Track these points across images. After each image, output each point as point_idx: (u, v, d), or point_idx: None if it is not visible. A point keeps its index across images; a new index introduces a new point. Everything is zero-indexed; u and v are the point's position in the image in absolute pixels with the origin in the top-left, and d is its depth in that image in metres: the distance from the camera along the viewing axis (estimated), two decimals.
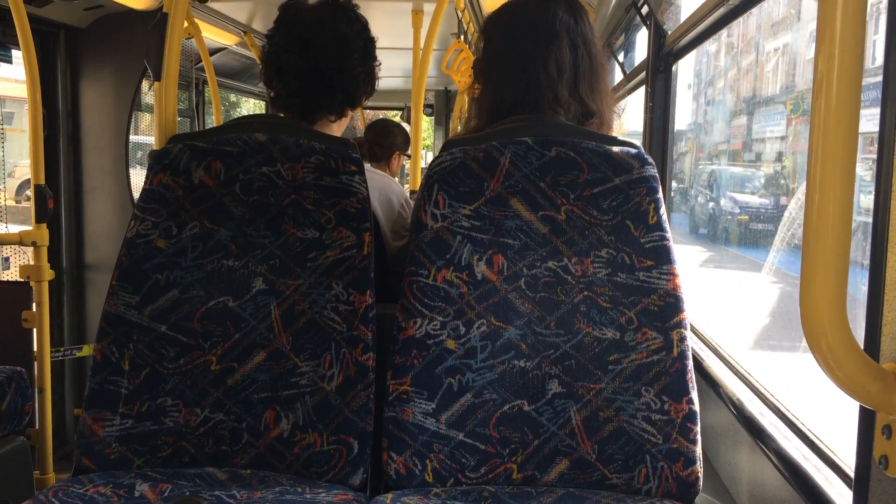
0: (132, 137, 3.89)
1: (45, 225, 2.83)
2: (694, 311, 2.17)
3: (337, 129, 1.78)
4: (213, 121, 5.02)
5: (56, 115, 3.55)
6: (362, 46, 1.72)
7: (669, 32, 2.60)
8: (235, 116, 1.75)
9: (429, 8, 3.45)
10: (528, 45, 1.52)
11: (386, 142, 3.65)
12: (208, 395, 1.46)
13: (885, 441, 0.84)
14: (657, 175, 1.43)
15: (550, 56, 1.51)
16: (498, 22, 1.60)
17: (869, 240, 0.90)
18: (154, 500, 1.30)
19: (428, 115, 8.03)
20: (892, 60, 0.85)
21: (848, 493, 1.15)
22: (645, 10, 2.73)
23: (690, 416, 1.35)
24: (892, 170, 0.85)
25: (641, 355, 1.37)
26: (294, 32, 1.68)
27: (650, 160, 1.43)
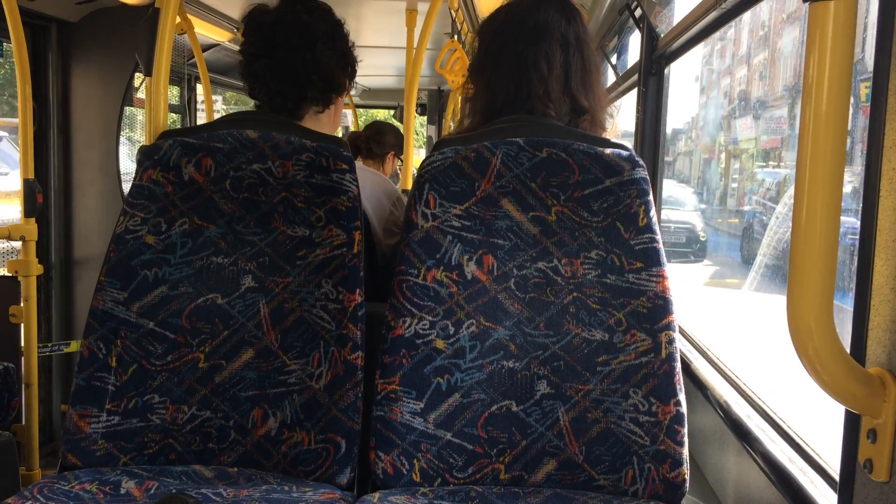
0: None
1: (33, 220, 2.81)
2: None
3: (326, 119, 1.78)
4: (205, 117, 5.00)
5: (46, 110, 3.53)
6: (327, 30, 1.74)
7: (662, 35, 2.60)
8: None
9: (422, 7, 3.44)
10: (519, 43, 1.54)
11: (382, 140, 3.74)
12: (196, 392, 1.45)
13: (871, 445, 0.84)
14: (648, 177, 1.43)
15: (541, 53, 1.52)
16: (492, 23, 1.63)
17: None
18: (140, 497, 1.29)
19: (420, 114, 8.03)
20: (882, 64, 0.86)
21: (833, 495, 1.16)
22: (638, 12, 2.74)
23: (678, 418, 1.35)
24: (880, 175, 0.86)
25: (630, 357, 1.37)
26: (260, 36, 1.72)
27: (641, 162, 1.43)
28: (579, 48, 1.56)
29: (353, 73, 1.82)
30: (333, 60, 1.74)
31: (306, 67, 1.69)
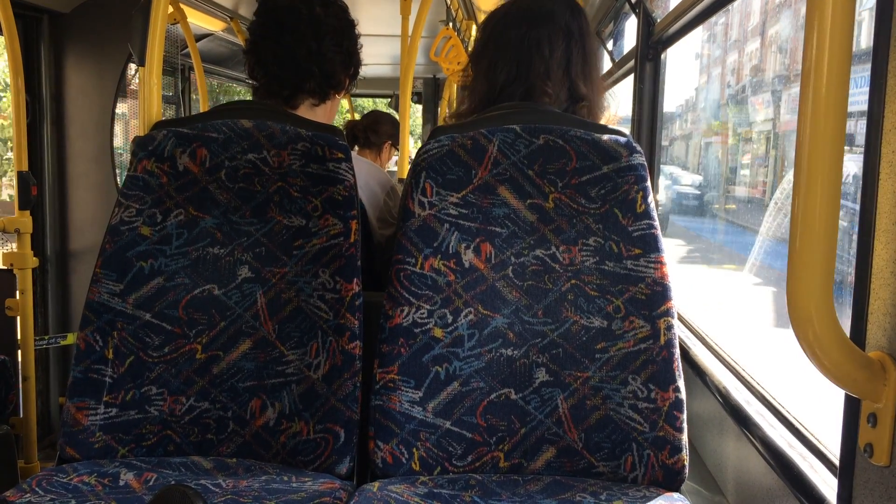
0: None
1: (28, 212, 2.80)
2: None
3: (322, 113, 1.78)
4: (199, 108, 4.98)
5: (40, 101, 3.51)
6: (338, 27, 1.74)
7: (658, 20, 2.59)
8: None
9: None
10: (522, 27, 1.58)
11: (379, 129, 3.79)
12: (193, 383, 1.45)
13: (871, 429, 0.84)
14: (645, 163, 1.43)
15: (543, 37, 1.56)
16: (496, 13, 1.67)
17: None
18: (139, 489, 1.29)
19: (416, 102, 8.01)
20: (881, 48, 0.85)
21: (833, 480, 1.16)
22: None
23: (677, 404, 1.35)
24: (880, 158, 0.85)
25: (628, 344, 1.37)
26: (271, 19, 1.72)
27: (638, 148, 1.43)
28: (581, 40, 1.60)
29: (354, 75, 1.83)
30: (338, 58, 1.74)
31: (309, 59, 1.70)
